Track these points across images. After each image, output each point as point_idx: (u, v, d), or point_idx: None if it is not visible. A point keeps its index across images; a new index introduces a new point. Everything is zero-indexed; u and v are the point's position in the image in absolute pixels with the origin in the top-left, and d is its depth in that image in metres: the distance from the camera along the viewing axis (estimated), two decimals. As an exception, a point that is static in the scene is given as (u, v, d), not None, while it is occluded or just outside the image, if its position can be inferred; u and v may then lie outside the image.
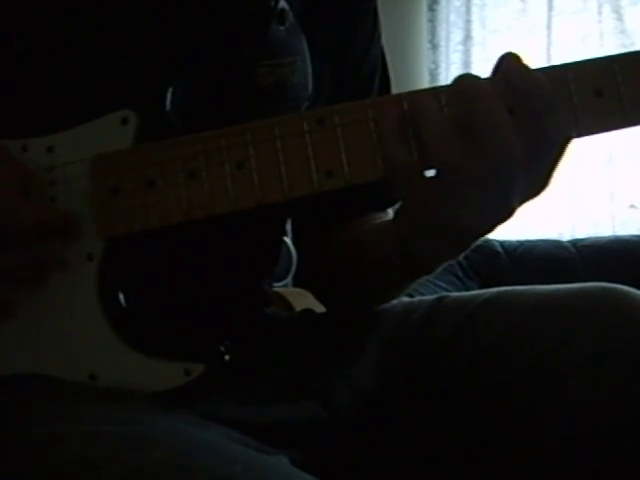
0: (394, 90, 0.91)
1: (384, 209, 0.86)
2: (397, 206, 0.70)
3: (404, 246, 0.70)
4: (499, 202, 0.61)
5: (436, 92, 0.61)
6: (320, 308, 0.93)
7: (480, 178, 0.59)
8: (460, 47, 3.31)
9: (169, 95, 0.64)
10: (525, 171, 0.59)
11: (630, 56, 0.61)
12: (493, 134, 0.58)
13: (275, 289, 0.96)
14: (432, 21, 3.39)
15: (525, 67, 0.60)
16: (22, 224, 0.62)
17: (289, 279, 2.39)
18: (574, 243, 2.92)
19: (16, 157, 0.65)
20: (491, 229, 0.64)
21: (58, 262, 0.65)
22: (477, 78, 0.60)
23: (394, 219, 0.72)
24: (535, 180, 0.62)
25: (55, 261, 0.65)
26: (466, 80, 0.61)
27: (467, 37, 3.30)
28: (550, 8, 3.14)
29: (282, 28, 0.72)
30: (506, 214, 0.62)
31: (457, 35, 3.33)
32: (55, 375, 0.64)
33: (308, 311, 0.91)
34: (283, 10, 0.71)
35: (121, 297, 0.65)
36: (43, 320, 0.65)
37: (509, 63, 0.60)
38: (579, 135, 0.61)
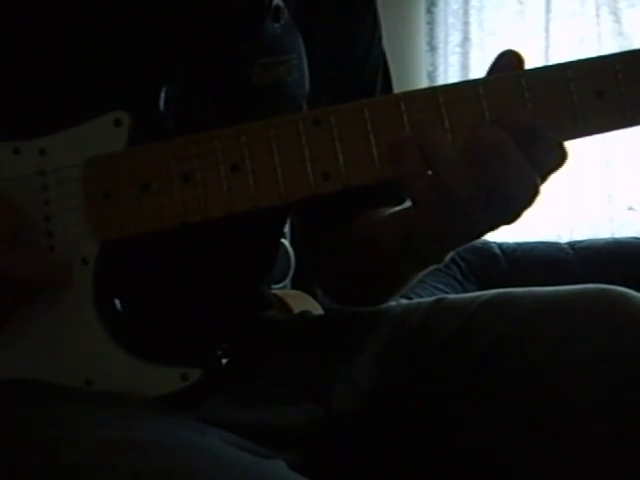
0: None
1: (396, 205, 0.86)
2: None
3: (410, 240, 0.70)
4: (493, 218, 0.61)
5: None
6: (318, 310, 0.93)
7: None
8: (458, 49, 3.31)
9: (163, 95, 0.64)
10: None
11: (632, 54, 0.60)
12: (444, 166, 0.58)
13: (273, 291, 0.96)
14: (430, 23, 3.39)
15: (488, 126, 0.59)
16: (8, 275, 0.61)
17: (287, 281, 2.38)
18: (572, 245, 2.92)
19: (8, 203, 0.64)
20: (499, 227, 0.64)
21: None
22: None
23: (401, 217, 0.72)
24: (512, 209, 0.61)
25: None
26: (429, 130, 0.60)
27: (465, 39, 3.30)
28: (548, 10, 3.14)
29: (277, 25, 0.71)
30: (512, 218, 0.62)
31: (455, 37, 3.33)
32: (51, 381, 0.64)
33: (306, 313, 0.91)
34: (278, 7, 0.71)
35: (117, 301, 0.65)
36: (39, 325, 0.65)
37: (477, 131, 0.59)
38: (579, 135, 0.60)
